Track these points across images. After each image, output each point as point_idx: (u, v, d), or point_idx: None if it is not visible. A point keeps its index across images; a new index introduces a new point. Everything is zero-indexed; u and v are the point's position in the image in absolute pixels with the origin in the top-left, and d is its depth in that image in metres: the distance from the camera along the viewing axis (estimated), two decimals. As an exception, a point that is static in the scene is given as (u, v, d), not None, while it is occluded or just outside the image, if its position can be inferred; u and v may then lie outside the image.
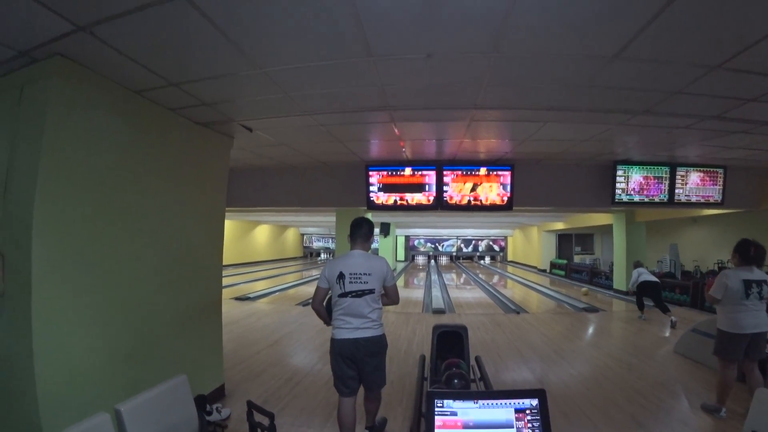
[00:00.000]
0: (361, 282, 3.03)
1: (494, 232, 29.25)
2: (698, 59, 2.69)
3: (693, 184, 6.58)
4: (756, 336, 3.73)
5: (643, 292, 8.75)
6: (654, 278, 8.78)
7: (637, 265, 9.25)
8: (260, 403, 2.80)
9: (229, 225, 18.17)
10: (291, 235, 30.80)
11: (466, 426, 1.50)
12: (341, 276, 3.04)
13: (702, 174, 6.57)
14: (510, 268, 24.43)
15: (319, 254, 32.99)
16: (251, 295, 11.42)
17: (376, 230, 15.12)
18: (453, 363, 3.69)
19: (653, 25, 2.23)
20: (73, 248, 2.67)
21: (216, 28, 2.24)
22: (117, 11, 2.05)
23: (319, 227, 28.93)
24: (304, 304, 10.29)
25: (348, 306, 3.03)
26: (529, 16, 2.17)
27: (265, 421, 2.45)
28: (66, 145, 2.59)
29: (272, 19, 2.18)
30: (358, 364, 3.09)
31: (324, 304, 3.20)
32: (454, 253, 31.58)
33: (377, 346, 3.11)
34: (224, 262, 4.51)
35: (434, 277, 18.18)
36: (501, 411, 1.52)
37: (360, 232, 3.18)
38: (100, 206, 2.86)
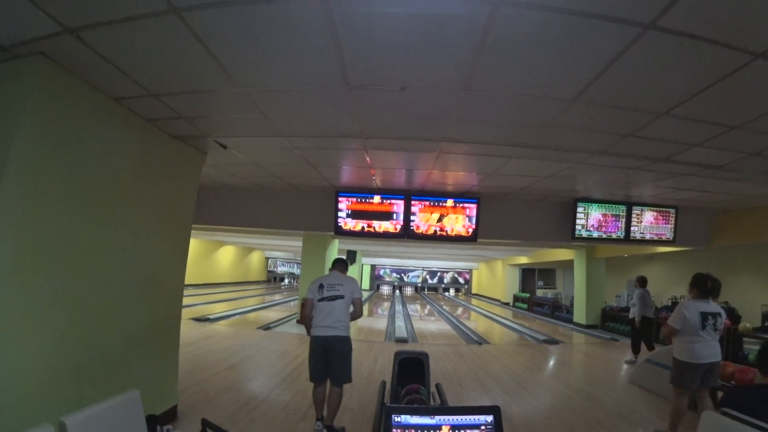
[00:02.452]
0: (334, 290, 4.00)
1: (460, 264, 29.58)
2: (647, 106, 2.94)
3: (647, 222, 6.97)
4: (711, 365, 3.93)
5: (646, 327, 7.81)
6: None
7: (643, 283, 8.09)
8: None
9: (191, 244, 17.66)
10: (255, 258, 30.23)
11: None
12: (321, 286, 4.03)
13: (656, 213, 6.97)
14: (474, 301, 24.66)
15: (283, 279, 32.39)
16: (211, 317, 11.09)
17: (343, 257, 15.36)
18: (413, 389, 3.71)
19: (607, 72, 2.44)
20: (34, 255, 2.57)
21: (202, 45, 2.30)
22: (108, 18, 2.08)
23: (284, 251, 28.51)
24: (265, 328, 10.09)
25: (324, 308, 3.93)
26: (497, 58, 2.35)
27: (221, 441, 2.40)
28: (39, 146, 2.54)
29: (257, 41, 2.27)
30: (328, 357, 3.87)
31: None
32: (420, 284, 31.62)
33: (343, 343, 3.93)
34: (185, 282, 4.42)
35: (398, 307, 18.14)
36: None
37: (339, 264, 4.35)
38: (66, 214, 2.78)
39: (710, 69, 2.36)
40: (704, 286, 4.10)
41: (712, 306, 4.07)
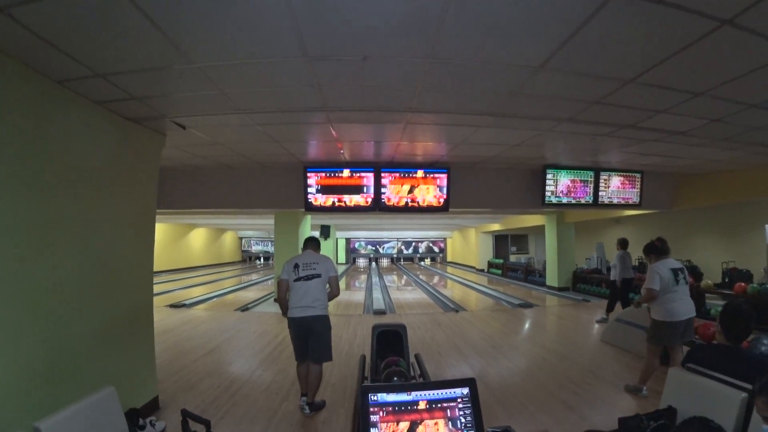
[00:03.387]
0: (310, 269, 3.97)
1: (434, 234, 29.89)
2: (613, 73, 2.94)
3: (614, 187, 7.16)
4: (688, 321, 4.12)
5: (625, 288, 7.96)
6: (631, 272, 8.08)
7: (624, 245, 8.19)
8: (198, 413, 2.71)
9: (161, 229, 17.25)
10: (228, 238, 29.78)
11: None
12: (296, 266, 3.99)
13: (622, 178, 7.17)
14: (449, 269, 25.08)
15: (258, 258, 32.10)
16: (187, 302, 10.92)
17: (316, 233, 15.42)
18: (392, 361, 3.75)
19: (574, 39, 2.40)
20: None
21: (147, 19, 2.14)
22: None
23: (257, 230, 28.17)
24: (243, 309, 10.01)
25: (300, 288, 3.91)
26: (461, 24, 2.27)
27: (202, 430, 2.37)
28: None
29: (207, 13, 2.12)
30: (307, 337, 3.90)
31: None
32: (395, 255, 31.88)
33: (322, 322, 3.93)
34: (157, 268, 4.29)
35: (375, 279, 18.29)
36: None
37: (312, 243, 4.29)
38: (12, 208, 2.59)
39: (678, 36, 2.35)
40: (657, 249, 4.34)
41: (675, 262, 4.29)
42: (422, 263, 30.88)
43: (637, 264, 11.50)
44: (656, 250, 4.33)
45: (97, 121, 3.39)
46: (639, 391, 4.25)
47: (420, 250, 32.28)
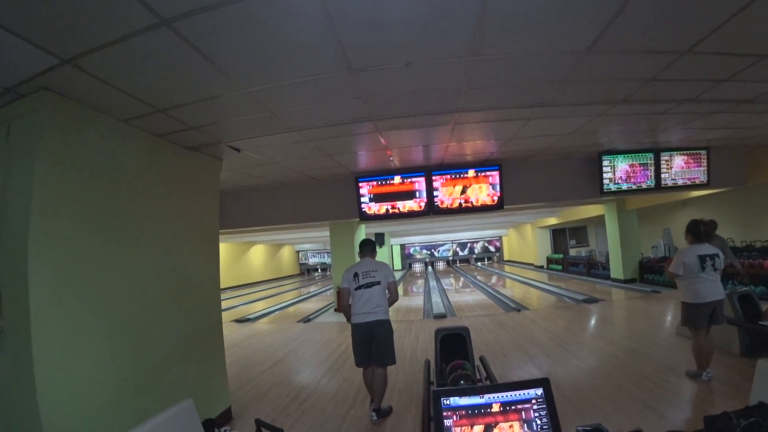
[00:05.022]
0: (370, 276, 4.07)
1: (489, 233, 29.35)
2: (667, 46, 2.77)
3: (678, 167, 6.69)
4: (716, 303, 4.24)
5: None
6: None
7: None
8: (269, 422, 2.80)
9: (223, 248, 18.03)
10: (286, 253, 30.68)
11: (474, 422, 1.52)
12: (356, 275, 4.09)
13: (686, 157, 6.68)
14: (507, 268, 24.49)
15: (316, 270, 32.80)
16: (251, 317, 11.34)
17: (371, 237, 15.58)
18: (458, 365, 3.70)
19: (618, 18, 2.30)
20: (71, 279, 2.66)
21: (198, 53, 2.28)
22: (100, 43, 2.08)
23: (313, 243, 28.83)
24: (305, 320, 10.25)
25: (362, 295, 4.02)
26: (500, 17, 2.23)
27: (276, 438, 2.44)
28: (58, 178, 2.60)
29: (253, 39, 2.22)
30: (370, 342, 4.00)
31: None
32: (451, 258, 31.57)
33: (384, 326, 4.03)
34: (222, 285, 4.50)
35: (432, 283, 18.17)
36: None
37: (367, 248, 4.30)
38: (95, 235, 2.86)
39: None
40: (698, 232, 4.39)
41: (708, 248, 4.33)
42: (479, 264, 30.36)
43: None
44: (695, 232, 4.38)
45: (160, 151, 3.63)
46: (699, 377, 4.23)
47: (476, 251, 31.79)
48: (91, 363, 2.74)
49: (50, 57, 2.16)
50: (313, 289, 19.83)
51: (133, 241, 3.21)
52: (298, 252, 32.76)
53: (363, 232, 11.64)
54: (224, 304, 12.32)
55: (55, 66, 2.25)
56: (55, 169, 2.58)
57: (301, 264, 33.07)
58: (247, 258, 23.50)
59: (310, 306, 13.17)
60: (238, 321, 10.81)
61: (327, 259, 31.38)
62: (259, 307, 13.73)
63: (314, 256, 33.03)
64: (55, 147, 2.59)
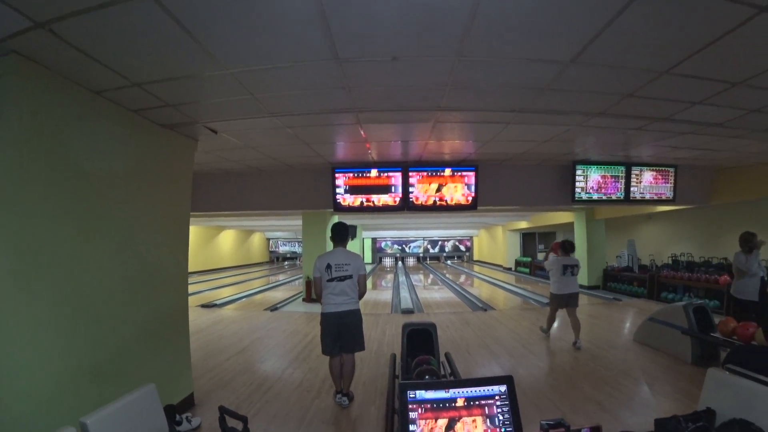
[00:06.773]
0: (342, 270, 4.13)
1: (460, 232, 29.68)
2: (647, 65, 2.86)
3: (647, 182, 6.97)
4: (571, 296, 6.32)
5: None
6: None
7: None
8: (233, 410, 2.77)
9: (192, 231, 17.58)
10: (257, 239, 30.28)
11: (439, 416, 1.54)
12: (329, 266, 4.13)
13: (655, 173, 6.96)
14: (477, 267, 24.86)
15: (285, 258, 32.52)
16: (218, 302, 11.17)
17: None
18: (423, 360, 3.74)
19: (606, 32, 2.35)
20: (32, 256, 2.53)
21: (181, 28, 2.21)
22: (78, 8, 1.98)
23: (285, 231, 28.56)
24: (273, 309, 10.16)
25: (334, 287, 4.11)
26: (491, 21, 2.25)
27: (239, 426, 2.42)
28: (23, 147, 2.47)
29: (238, 19, 2.17)
30: (340, 331, 4.11)
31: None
32: (421, 254, 31.80)
33: (356, 315, 4.19)
34: (189, 270, 4.40)
35: (402, 278, 18.29)
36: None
37: (340, 235, 4.34)
38: (61, 212, 2.73)
39: (713, 24, 2.28)
40: (565, 248, 6.40)
41: (572, 259, 6.33)
42: (449, 262, 30.68)
43: (670, 261, 11.09)
44: (563, 248, 6.44)
45: (134, 128, 3.51)
46: (546, 331, 6.76)
47: (446, 249, 32.12)
48: (49, 344, 2.63)
49: (23, 18, 2.04)
50: (282, 277, 19.67)
51: (101, 219, 3.09)
52: (268, 239, 32.40)
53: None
54: (190, 289, 11.91)
55: (27, 29, 2.13)
56: (19, 138, 2.44)
57: (271, 252, 32.72)
58: (216, 243, 23.08)
59: (278, 295, 13.06)
60: (204, 306, 10.62)
61: (298, 248, 31.12)
62: (226, 293, 13.54)
63: (285, 245, 32.74)
64: (20, 115, 2.45)
